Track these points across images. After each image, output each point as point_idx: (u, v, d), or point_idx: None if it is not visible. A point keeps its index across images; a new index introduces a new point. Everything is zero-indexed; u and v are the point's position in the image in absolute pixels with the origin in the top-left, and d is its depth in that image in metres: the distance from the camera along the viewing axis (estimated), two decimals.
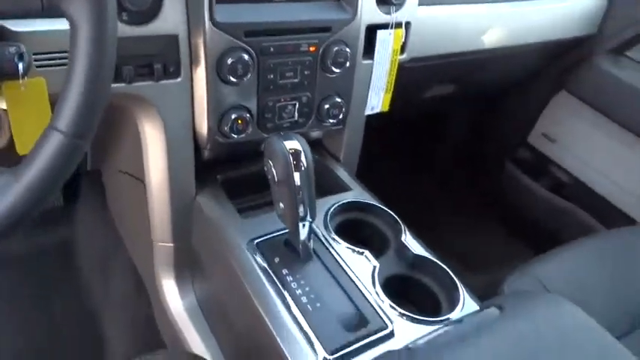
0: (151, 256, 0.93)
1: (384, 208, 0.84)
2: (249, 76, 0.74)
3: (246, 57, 0.73)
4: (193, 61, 0.72)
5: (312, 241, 0.74)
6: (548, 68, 1.37)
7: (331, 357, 0.60)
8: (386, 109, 0.97)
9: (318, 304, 0.66)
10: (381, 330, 0.64)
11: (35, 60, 0.61)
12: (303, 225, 0.70)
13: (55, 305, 1.14)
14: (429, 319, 0.66)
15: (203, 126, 0.77)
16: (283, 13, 0.76)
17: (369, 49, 0.88)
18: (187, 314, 0.92)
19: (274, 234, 0.76)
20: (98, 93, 0.44)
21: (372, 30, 0.86)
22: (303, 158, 0.66)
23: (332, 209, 0.82)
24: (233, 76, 0.73)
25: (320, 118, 0.86)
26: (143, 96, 0.71)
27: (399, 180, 1.66)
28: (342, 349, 0.61)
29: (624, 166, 1.29)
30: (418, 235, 0.80)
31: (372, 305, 0.67)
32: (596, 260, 0.96)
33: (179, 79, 0.73)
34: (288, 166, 0.65)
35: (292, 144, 0.66)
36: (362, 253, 0.75)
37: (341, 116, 0.87)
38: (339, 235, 0.78)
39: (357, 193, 0.89)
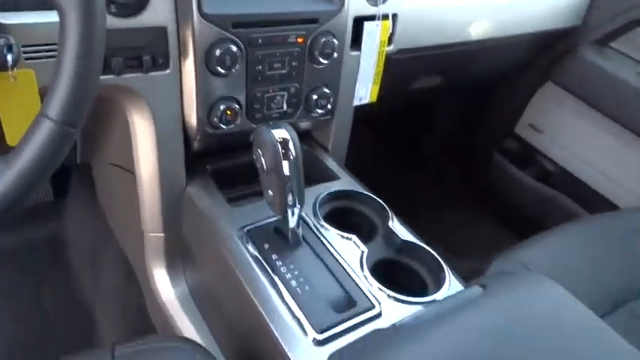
0: (142, 247, 0.94)
1: (371, 195, 0.86)
2: (237, 67, 0.75)
3: (234, 48, 0.74)
4: (182, 53, 0.73)
5: (301, 228, 0.75)
6: (534, 60, 1.39)
7: (320, 336, 0.62)
8: (374, 100, 0.98)
9: (307, 288, 0.68)
10: (369, 310, 0.66)
11: (24, 52, 0.62)
12: (292, 213, 0.72)
13: (46, 298, 1.15)
14: (416, 300, 0.68)
15: (192, 117, 0.78)
16: (271, 4, 0.77)
17: (357, 41, 0.89)
18: (179, 302, 0.93)
19: (264, 221, 0.78)
20: (88, 81, 0.45)
21: (359, 21, 0.87)
22: (291, 147, 0.67)
23: (321, 197, 0.84)
24: (221, 68, 0.75)
25: (308, 109, 0.87)
26: (132, 87, 0.72)
27: (387, 171, 1.67)
28: (330, 329, 0.63)
29: (608, 154, 1.31)
30: (406, 223, 0.82)
31: (360, 288, 0.69)
32: (579, 244, 0.99)
33: (168, 71, 0.74)
34: (276, 154, 0.66)
35: (281, 133, 0.68)
36: (350, 239, 0.77)
37: (329, 107, 0.89)
38: (328, 223, 0.79)
39: (346, 182, 0.90)
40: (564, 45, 1.30)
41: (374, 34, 0.89)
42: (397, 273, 0.77)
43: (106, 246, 1.18)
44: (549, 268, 0.88)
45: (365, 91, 0.96)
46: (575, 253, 0.96)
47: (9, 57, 0.57)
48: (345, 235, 0.78)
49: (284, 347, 0.62)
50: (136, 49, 0.69)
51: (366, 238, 0.78)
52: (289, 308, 0.66)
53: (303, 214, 0.79)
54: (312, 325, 0.63)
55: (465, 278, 0.75)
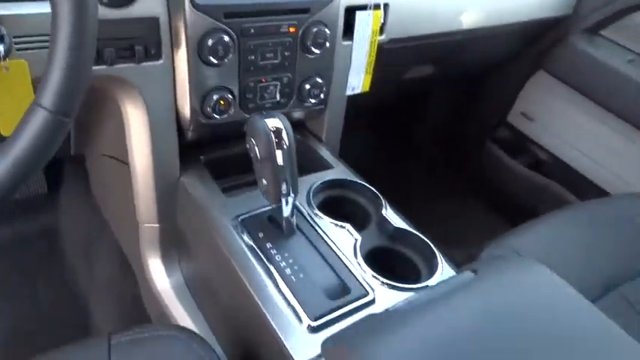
0: (136, 238, 0.95)
1: (365, 184, 0.87)
2: (230, 56, 0.76)
3: (226, 38, 0.74)
4: (174, 43, 0.74)
5: (295, 217, 0.76)
6: (526, 49, 1.40)
7: (315, 323, 0.63)
8: (366, 89, 0.99)
9: (302, 275, 0.69)
10: (363, 297, 0.67)
11: (15, 43, 0.62)
12: (287, 202, 0.72)
13: (41, 291, 1.15)
14: (409, 286, 0.69)
15: (185, 107, 0.78)
16: None
17: (349, 31, 0.89)
18: (174, 292, 0.94)
19: (258, 211, 0.78)
20: (81, 71, 0.45)
21: (350, 11, 0.87)
22: (284, 136, 0.68)
23: (314, 186, 0.84)
24: (214, 58, 0.75)
25: (301, 99, 0.88)
26: (125, 78, 0.72)
27: (380, 161, 1.68)
28: (325, 316, 0.64)
29: (598, 141, 1.33)
30: (399, 211, 0.83)
31: (354, 275, 0.70)
32: (570, 230, 1.00)
33: (161, 61, 0.74)
34: (270, 143, 0.67)
35: (274, 122, 0.68)
36: (344, 227, 0.78)
37: (322, 96, 0.89)
38: (321, 212, 0.80)
39: (339, 171, 0.91)
40: (555, 34, 1.31)
41: (366, 23, 0.90)
42: (391, 260, 0.78)
43: (101, 237, 1.18)
44: (540, 254, 0.90)
45: (357, 80, 0.96)
46: (566, 239, 0.98)
47: (1, 47, 0.57)
48: (339, 223, 0.78)
49: (279, 335, 0.63)
50: (128, 39, 0.69)
51: (359, 227, 0.79)
52: (284, 296, 0.67)
53: (297, 204, 0.79)
54: (306, 313, 0.64)
55: (458, 265, 0.76)
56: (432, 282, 0.70)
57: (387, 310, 0.61)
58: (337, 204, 0.86)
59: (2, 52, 0.57)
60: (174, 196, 0.88)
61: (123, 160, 0.89)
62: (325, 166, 0.93)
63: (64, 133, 0.46)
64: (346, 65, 0.93)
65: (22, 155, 0.44)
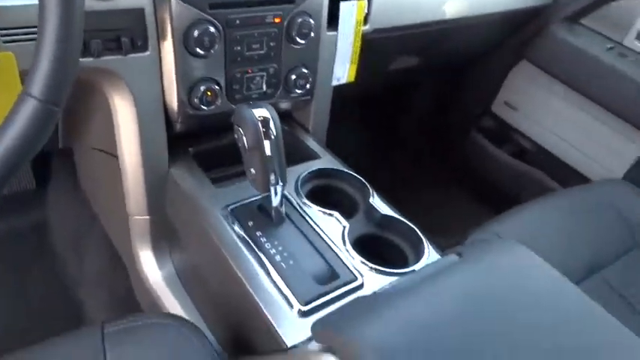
0: (127, 230, 0.95)
1: (352, 173, 0.88)
2: (216, 47, 0.76)
3: (212, 29, 0.75)
4: (160, 35, 0.74)
5: (284, 206, 0.77)
6: (508, 38, 1.42)
7: (305, 308, 0.64)
8: (352, 79, 1.00)
9: (292, 262, 0.70)
10: (352, 282, 0.68)
11: (2, 35, 0.62)
12: (275, 191, 0.73)
13: (32, 286, 1.15)
14: (396, 271, 0.71)
15: (173, 98, 0.79)
16: None
17: (333, 21, 0.90)
18: (165, 283, 0.94)
19: (247, 200, 0.79)
20: (69, 61, 0.46)
21: (335, 1, 0.88)
22: (272, 126, 0.69)
23: (302, 176, 0.85)
24: (200, 49, 0.75)
25: (288, 89, 0.89)
26: (112, 70, 0.73)
27: (366, 152, 1.70)
28: (315, 300, 0.65)
29: (579, 129, 1.36)
30: (386, 199, 0.84)
31: (342, 261, 0.71)
32: (553, 216, 1.03)
33: (147, 53, 0.74)
34: (257, 132, 0.68)
35: (261, 112, 0.69)
36: (332, 215, 0.79)
37: (308, 87, 0.90)
38: (310, 201, 0.81)
39: (327, 161, 0.92)
40: (537, 23, 1.33)
41: (350, 14, 0.91)
42: (378, 247, 0.79)
43: (90, 231, 1.18)
44: (524, 239, 0.91)
45: (343, 71, 0.97)
46: (549, 224, 1.00)
47: None
48: (327, 211, 0.80)
49: (271, 320, 0.64)
50: (114, 31, 0.69)
51: (347, 215, 0.80)
52: (274, 283, 0.68)
53: (286, 193, 0.80)
54: (296, 298, 0.66)
55: (444, 251, 0.78)
56: (418, 266, 0.72)
57: (374, 293, 0.63)
58: (325, 193, 0.87)
59: None
60: (163, 188, 0.89)
61: (111, 153, 0.90)
62: (313, 156, 0.94)
63: (54, 123, 0.46)
64: (331, 56, 0.94)
65: (12, 145, 0.45)
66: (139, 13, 0.71)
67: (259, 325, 0.67)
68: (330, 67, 0.95)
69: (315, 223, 0.77)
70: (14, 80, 0.61)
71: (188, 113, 0.81)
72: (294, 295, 0.66)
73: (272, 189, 0.73)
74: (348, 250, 0.74)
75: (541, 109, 1.44)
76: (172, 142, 0.86)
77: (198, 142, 0.91)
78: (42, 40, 0.45)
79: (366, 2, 0.92)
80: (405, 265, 0.74)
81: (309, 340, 0.61)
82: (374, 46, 1.01)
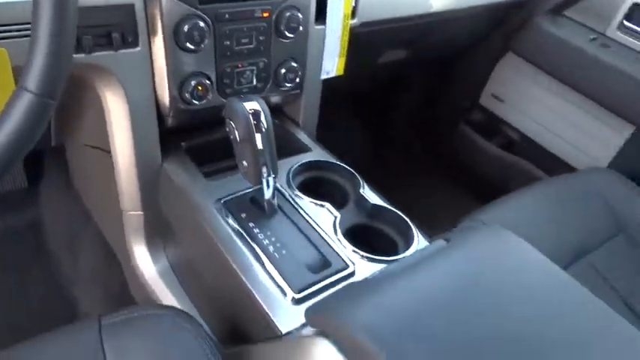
0: (121, 226, 0.96)
1: (343, 165, 0.89)
2: (206, 42, 0.77)
3: (201, 24, 0.76)
4: (151, 30, 0.75)
5: (276, 198, 0.78)
6: (494, 31, 1.44)
7: (299, 296, 0.66)
8: (340, 73, 1.01)
9: (285, 252, 0.71)
10: (343, 270, 0.70)
11: None
12: (268, 184, 0.74)
13: (28, 284, 1.15)
14: (386, 259, 0.72)
15: (164, 93, 0.80)
16: None
17: (321, 15, 0.92)
18: (160, 277, 0.95)
19: (240, 193, 0.80)
20: (63, 55, 0.47)
21: None
22: (263, 119, 0.70)
23: (294, 168, 0.87)
24: (190, 43, 0.76)
25: (277, 83, 0.90)
26: (103, 66, 0.73)
27: (357, 145, 1.71)
28: (308, 288, 0.67)
29: (565, 119, 1.38)
30: (376, 190, 0.86)
31: (334, 250, 0.73)
32: (539, 204, 1.05)
33: (138, 48, 0.75)
34: (248, 124, 0.69)
35: (252, 105, 0.70)
36: (323, 206, 0.81)
37: (297, 80, 0.91)
38: (301, 192, 0.83)
39: (317, 154, 0.93)
40: (521, 15, 1.36)
41: (337, 7, 0.92)
42: (369, 236, 0.81)
43: (84, 228, 1.19)
44: (510, 226, 0.94)
45: (332, 64, 0.99)
46: (535, 212, 1.02)
47: None
48: (319, 202, 0.81)
49: (265, 309, 0.66)
50: (105, 27, 0.70)
51: (338, 206, 0.82)
52: (268, 272, 0.69)
53: (278, 185, 0.82)
54: (290, 286, 0.67)
55: (432, 238, 0.79)
56: (408, 254, 0.74)
57: (365, 278, 0.64)
58: (316, 185, 0.88)
59: None
60: (156, 183, 0.89)
61: (104, 149, 0.90)
62: (303, 148, 0.95)
63: (49, 116, 0.47)
64: (320, 49, 0.95)
65: (6, 140, 0.45)
66: (130, 8, 0.71)
67: (254, 315, 0.68)
68: (319, 60, 0.96)
69: (307, 214, 0.79)
70: (7, 77, 0.62)
71: (180, 108, 0.82)
72: (287, 283, 0.67)
73: (264, 181, 0.74)
74: (339, 240, 0.75)
75: (527, 101, 1.46)
76: (165, 137, 0.87)
77: (191, 136, 0.92)
78: (36, 35, 0.46)
79: None
80: (395, 252, 0.76)
81: (303, 326, 0.63)
82: (362, 40, 1.02)
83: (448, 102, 1.70)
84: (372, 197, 0.83)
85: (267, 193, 0.76)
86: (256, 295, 0.67)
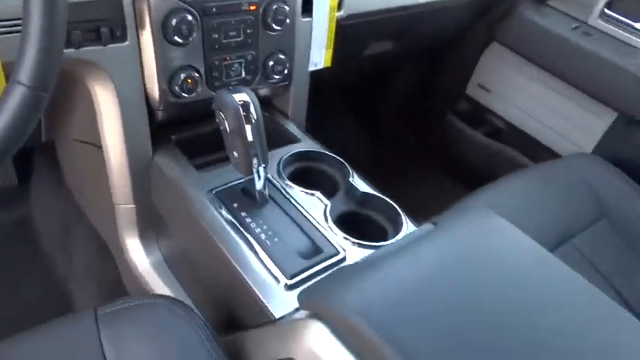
0: (113, 220, 0.97)
1: (332, 155, 0.91)
2: (194, 35, 0.78)
3: (189, 17, 0.76)
4: (139, 24, 0.75)
5: (267, 188, 0.80)
6: (479, 21, 1.46)
7: (291, 281, 0.67)
8: (328, 64, 1.02)
9: (276, 239, 0.73)
10: (335, 255, 0.72)
11: None
12: (258, 174, 0.76)
13: (20, 281, 1.16)
14: (376, 244, 0.74)
15: (154, 87, 0.81)
16: None
17: (308, 7, 0.93)
18: (154, 270, 0.96)
19: (231, 183, 0.82)
20: (54, 48, 0.48)
21: None
22: (252, 110, 0.71)
23: (284, 159, 0.88)
24: (179, 37, 0.77)
25: (266, 75, 0.91)
26: (92, 60, 0.74)
27: (347, 136, 1.73)
28: (300, 274, 0.68)
29: (549, 107, 1.40)
30: (365, 178, 0.87)
31: (325, 237, 0.75)
32: (525, 190, 1.07)
33: (127, 43, 0.76)
34: (238, 115, 0.70)
35: (241, 96, 0.71)
36: (314, 195, 0.82)
37: (286, 72, 0.92)
38: (292, 182, 0.84)
39: (307, 144, 0.95)
40: (505, 5, 1.38)
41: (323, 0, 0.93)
42: (359, 223, 0.83)
43: (76, 223, 1.19)
44: (497, 211, 0.96)
45: (319, 56, 1.00)
46: (521, 197, 1.05)
47: None
48: (309, 191, 0.83)
49: (259, 295, 0.67)
50: (93, 22, 0.71)
51: (329, 194, 0.83)
52: (260, 260, 0.71)
53: (269, 175, 0.83)
54: (282, 272, 0.69)
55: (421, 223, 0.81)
56: (397, 239, 0.76)
57: (355, 262, 0.66)
58: (306, 174, 0.90)
59: None
60: (148, 176, 0.90)
61: (95, 144, 0.91)
62: (293, 140, 0.96)
63: (42, 108, 0.48)
64: (307, 42, 0.96)
65: (2, 130, 0.46)
66: (117, 3, 0.72)
67: (248, 301, 0.69)
68: (307, 52, 0.97)
69: (298, 203, 0.80)
70: None
71: (169, 101, 0.82)
72: (280, 270, 0.69)
73: (255, 172, 0.75)
74: (330, 227, 0.77)
75: (512, 90, 1.48)
76: (155, 130, 0.88)
77: (181, 130, 0.93)
78: (27, 29, 0.47)
79: None
80: (385, 238, 0.78)
81: (296, 310, 0.64)
82: (349, 32, 1.03)
83: (436, 93, 1.72)
84: (362, 185, 0.85)
85: (259, 184, 0.77)
86: (249, 282, 0.69)
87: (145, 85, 0.81)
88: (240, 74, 0.88)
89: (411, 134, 1.85)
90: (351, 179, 0.86)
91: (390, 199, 0.82)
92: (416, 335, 0.52)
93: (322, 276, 0.69)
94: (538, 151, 1.43)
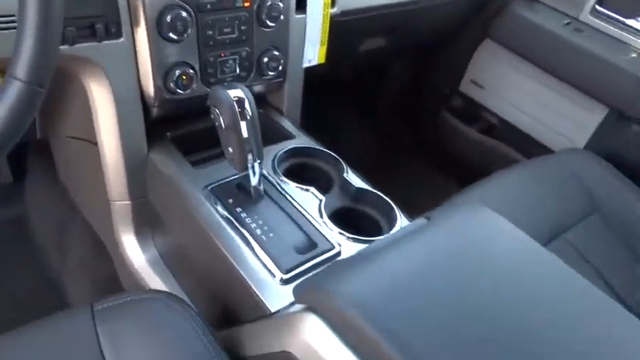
0: (109, 217, 0.97)
1: (327, 151, 0.92)
2: (189, 31, 0.78)
3: (184, 14, 0.77)
4: (134, 21, 0.76)
5: (262, 184, 0.80)
6: (472, 18, 1.47)
7: (286, 276, 0.68)
8: (322, 61, 1.03)
9: (272, 235, 0.73)
10: (330, 250, 0.72)
11: None
12: (254, 171, 0.76)
13: (15, 279, 1.16)
14: (371, 239, 0.75)
15: (149, 84, 0.81)
16: None
17: (302, 4, 0.93)
18: (150, 266, 0.97)
19: (226, 179, 0.82)
20: (50, 43, 0.48)
21: None
22: (247, 106, 0.71)
23: (279, 155, 0.89)
24: (174, 34, 0.77)
25: (260, 72, 0.91)
26: (87, 57, 0.74)
27: (341, 134, 1.73)
28: (295, 268, 0.69)
29: (542, 103, 1.42)
30: (359, 174, 0.88)
31: (320, 232, 0.75)
32: (518, 185, 1.08)
33: (122, 39, 0.76)
34: (233, 111, 0.70)
35: (236, 92, 0.72)
36: (308, 190, 0.83)
37: (280, 68, 0.93)
38: (287, 178, 0.85)
39: (302, 140, 0.95)
40: (498, 2, 1.39)
41: None
42: (354, 219, 0.83)
43: (71, 221, 1.19)
44: (490, 206, 0.97)
45: (313, 52, 1.00)
46: (513, 192, 1.06)
47: None
48: (304, 187, 0.83)
49: (255, 290, 0.68)
50: (88, 18, 0.71)
51: (323, 190, 0.84)
52: (256, 255, 0.71)
53: (264, 171, 0.84)
54: (278, 267, 0.69)
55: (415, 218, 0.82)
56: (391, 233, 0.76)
57: (350, 256, 0.67)
58: (301, 170, 0.90)
59: None
60: (143, 172, 0.91)
61: (90, 140, 0.91)
62: (288, 136, 0.97)
63: (38, 103, 0.49)
64: (301, 38, 0.96)
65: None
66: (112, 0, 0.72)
67: (244, 296, 0.70)
68: (301, 49, 0.98)
69: (293, 199, 0.81)
70: None
71: (165, 98, 0.83)
72: (275, 264, 0.69)
73: (250, 167, 0.76)
74: (325, 222, 0.77)
75: (505, 86, 1.49)
76: (150, 127, 0.88)
77: (176, 126, 0.94)
78: (23, 25, 0.47)
79: None
80: (379, 233, 0.79)
81: (292, 304, 0.65)
82: (343, 28, 1.04)
83: (430, 89, 1.72)
84: (356, 181, 0.85)
85: (254, 180, 0.78)
86: (245, 277, 0.69)
87: (140, 81, 0.82)
88: (235, 70, 0.88)
89: (406, 130, 1.85)
90: (345, 175, 0.86)
91: (385, 194, 0.83)
92: (411, 327, 0.53)
93: (317, 270, 0.69)
94: (531, 147, 1.44)
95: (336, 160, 0.90)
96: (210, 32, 0.82)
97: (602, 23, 1.28)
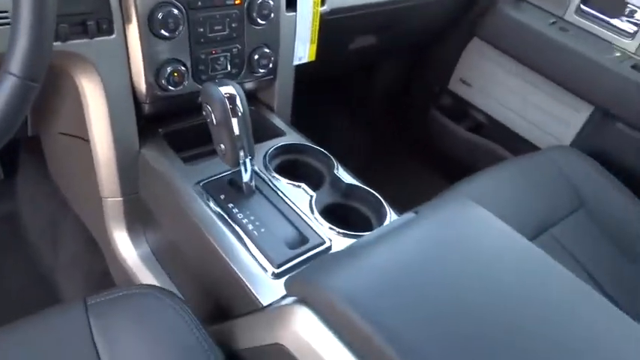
0: (101, 213, 0.97)
1: (317, 147, 0.93)
2: (180, 29, 0.79)
3: (175, 11, 0.77)
4: (125, 18, 0.76)
5: (254, 180, 0.81)
6: (461, 17, 1.49)
7: (278, 270, 0.69)
8: (312, 58, 1.04)
9: (263, 230, 0.74)
10: (321, 245, 0.73)
11: None
12: (245, 168, 0.77)
13: (7, 276, 1.16)
14: (361, 234, 0.76)
15: (141, 80, 0.81)
16: None
17: (292, 2, 0.94)
18: (142, 262, 0.97)
19: (218, 175, 0.83)
20: (44, 39, 0.49)
21: None
22: (238, 102, 0.72)
23: (270, 151, 0.89)
24: (165, 31, 0.78)
25: (251, 69, 0.92)
26: (79, 54, 0.75)
27: (332, 132, 1.74)
28: (287, 263, 0.70)
29: (529, 101, 1.44)
30: (349, 170, 0.89)
31: (311, 227, 0.76)
32: (505, 182, 1.10)
33: (113, 36, 0.76)
34: (225, 107, 0.71)
35: (227, 89, 0.72)
36: (299, 187, 0.84)
37: (271, 66, 0.94)
38: (278, 174, 0.86)
39: (292, 137, 0.96)
40: (485, 1, 1.40)
41: None
42: (344, 214, 0.84)
43: (63, 217, 1.19)
44: (478, 202, 0.99)
45: (304, 50, 1.01)
46: (500, 189, 1.08)
47: None
48: (295, 183, 0.84)
49: (247, 284, 0.69)
50: (79, 15, 0.71)
51: (314, 186, 0.85)
52: (248, 250, 0.72)
53: (255, 168, 0.84)
54: (270, 262, 0.70)
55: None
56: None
57: (341, 249, 0.68)
58: (292, 167, 0.91)
59: None
60: (135, 169, 0.91)
61: (82, 137, 0.91)
62: (279, 133, 0.98)
63: (32, 98, 0.49)
64: (292, 36, 0.97)
65: None
66: None
67: (236, 291, 0.71)
68: (291, 46, 0.99)
69: (284, 195, 0.82)
70: None
71: (156, 94, 0.83)
72: (267, 259, 0.70)
73: (242, 164, 0.76)
74: (316, 218, 0.78)
75: (493, 84, 1.51)
76: (142, 124, 0.89)
77: (168, 123, 0.94)
78: (18, 21, 0.47)
79: None
80: (369, 228, 0.80)
81: (284, 297, 0.66)
82: (333, 27, 1.05)
83: (419, 87, 1.74)
84: (346, 177, 0.87)
85: (246, 176, 0.78)
86: (237, 272, 0.70)
87: (131, 78, 0.82)
88: (226, 68, 0.89)
89: (396, 128, 1.87)
90: (336, 171, 0.87)
91: (374, 190, 0.84)
92: (400, 317, 0.54)
93: (308, 265, 0.70)
94: (518, 144, 1.46)
95: (326, 156, 0.91)
96: (202, 29, 0.82)
97: (587, 22, 1.31)
